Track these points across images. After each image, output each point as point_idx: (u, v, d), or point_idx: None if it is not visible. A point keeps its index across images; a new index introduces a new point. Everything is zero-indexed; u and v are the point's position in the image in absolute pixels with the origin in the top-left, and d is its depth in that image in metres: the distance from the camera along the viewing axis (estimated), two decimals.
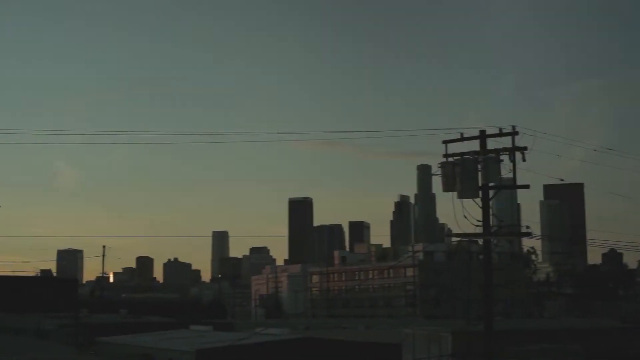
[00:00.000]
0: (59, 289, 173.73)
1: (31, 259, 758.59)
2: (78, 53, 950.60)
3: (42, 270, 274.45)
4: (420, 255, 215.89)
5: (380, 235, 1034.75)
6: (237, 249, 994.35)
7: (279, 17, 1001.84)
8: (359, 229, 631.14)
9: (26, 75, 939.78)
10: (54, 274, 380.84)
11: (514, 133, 38.76)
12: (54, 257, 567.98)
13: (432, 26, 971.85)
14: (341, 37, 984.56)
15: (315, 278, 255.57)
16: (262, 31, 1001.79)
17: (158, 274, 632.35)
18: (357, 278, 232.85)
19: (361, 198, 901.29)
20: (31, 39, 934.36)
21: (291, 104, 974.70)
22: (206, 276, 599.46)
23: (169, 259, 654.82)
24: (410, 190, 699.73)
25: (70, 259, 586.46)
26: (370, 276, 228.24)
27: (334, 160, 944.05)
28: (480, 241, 40.53)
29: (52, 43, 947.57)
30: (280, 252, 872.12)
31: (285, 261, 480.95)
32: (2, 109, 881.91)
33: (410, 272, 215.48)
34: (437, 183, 40.38)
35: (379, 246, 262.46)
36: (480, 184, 38.97)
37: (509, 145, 38.82)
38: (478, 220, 38.77)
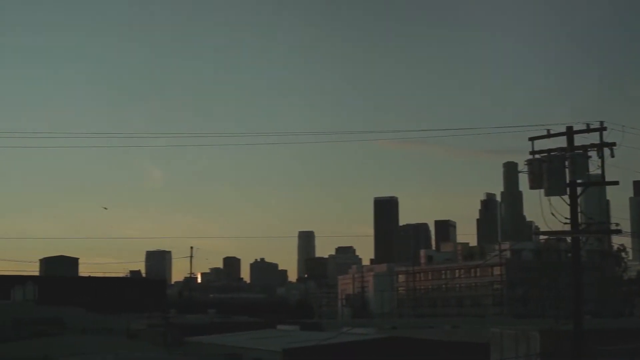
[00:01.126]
0: (148, 289, 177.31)
1: (121, 260, 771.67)
2: (165, 55, 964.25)
3: (131, 272, 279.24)
4: (508, 254, 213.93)
5: (467, 234, 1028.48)
6: (323, 249, 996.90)
7: (361, 21, 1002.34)
8: (445, 228, 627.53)
9: (116, 79, 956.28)
10: (143, 275, 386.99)
11: (602, 129, 38.09)
12: (143, 258, 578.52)
13: (517, 22, 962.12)
14: (425, 34, 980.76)
15: (401, 277, 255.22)
16: (341, 31, 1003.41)
17: (245, 274, 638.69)
18: (443, 277, 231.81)
19: (447, 196, 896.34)
20: (115, 41, 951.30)
21: (377, 103, 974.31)
22: (292, 276, 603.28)
23: (256, 259, 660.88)
24: (497, 188, 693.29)
25: (158, 260, 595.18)
26: (457, 275, 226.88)
27: (419, 159, 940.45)
28: (569, 239, 39.92)
29: (141, 46, 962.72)
30: (366, 252, 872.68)
31: (371, 261, 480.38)
32: (97, 113, 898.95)
33: (497, 270, 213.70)
34: (523, 180, 39.89)
35: (465, 245, 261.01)
36: (567, 181, 38.40)
37: (596, 141, 38.15)
38: (566, 218, 38.19)
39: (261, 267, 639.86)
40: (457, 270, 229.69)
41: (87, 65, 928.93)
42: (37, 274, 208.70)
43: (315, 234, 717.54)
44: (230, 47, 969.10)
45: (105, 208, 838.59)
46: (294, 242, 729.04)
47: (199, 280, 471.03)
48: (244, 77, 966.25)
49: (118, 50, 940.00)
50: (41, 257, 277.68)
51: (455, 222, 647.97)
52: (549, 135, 39.29)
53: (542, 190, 38.41)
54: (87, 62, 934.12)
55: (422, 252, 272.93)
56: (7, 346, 68.45)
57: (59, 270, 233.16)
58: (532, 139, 39.71)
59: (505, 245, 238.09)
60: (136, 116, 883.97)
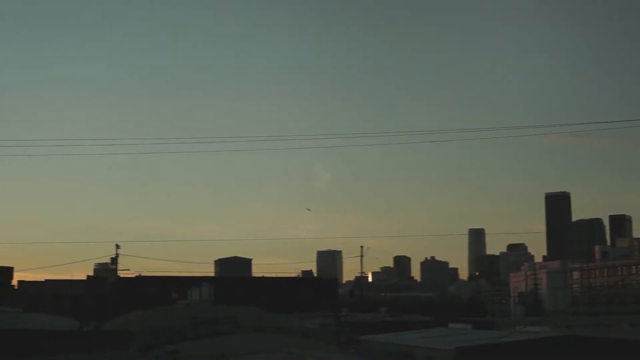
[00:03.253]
0: (321, 289, 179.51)
1: (293, 260, 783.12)
2: (327, 57, 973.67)
3: (303, 271, 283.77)
4: None
5: None
6: (494, 246, 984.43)
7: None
8: (620, 223, 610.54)
9: (284, 81, 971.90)
10: (315, 275, 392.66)
11: None
12: (314, 258, 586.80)
13: None
14: (569, 28, 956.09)
15: (575, 274, 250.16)
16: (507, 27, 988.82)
17: (415, 272, 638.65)
18: (619, 274, 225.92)
19: (621, 190, 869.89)
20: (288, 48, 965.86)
21: (543, 97, 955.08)
22: (463, 274, 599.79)
23: (426, 258, 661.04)
24: None
25: (329, 259, 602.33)
26: (634, 272, 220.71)
27: (590, 152, 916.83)
28: None
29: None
30: (538, 249, 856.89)
31: (544, 258, 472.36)
32: (266, 117, 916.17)
33: None
34: None
35: None
36: None
37: None
38: None
39: (431, 266, 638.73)
40: (634, 267, 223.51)
41: (261, 66, 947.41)
42: (212, 274, 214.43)
43: (486, 232, 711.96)
44: (399, 49, 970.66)
45: (308, 209, 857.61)
46: (464, 240, 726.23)
47: (370, 279, 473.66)
48: (407, 75, 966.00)
49: (293, 51, 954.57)
50: (216, 258, 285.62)
51: (630, 217, 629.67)
52: None
53: None
54: (258, 62, 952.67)
55: (597, 248, 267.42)
56: (187, 344, 70.59)
57: (233, 270, 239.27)
58: None
59: None
60: (304, 118, 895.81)
